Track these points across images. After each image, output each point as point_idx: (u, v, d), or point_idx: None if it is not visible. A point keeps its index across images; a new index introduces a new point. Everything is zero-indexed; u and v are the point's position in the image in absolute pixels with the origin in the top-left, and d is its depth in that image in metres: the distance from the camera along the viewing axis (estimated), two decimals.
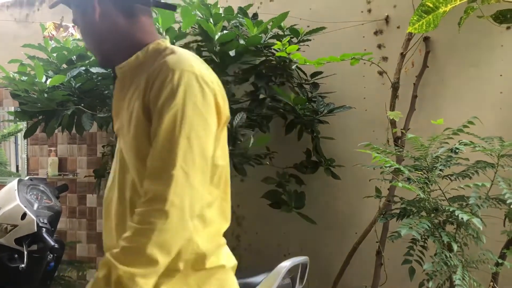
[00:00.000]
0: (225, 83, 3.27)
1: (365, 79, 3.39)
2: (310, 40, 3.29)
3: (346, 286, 3.34)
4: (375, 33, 3.39)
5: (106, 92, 3.10)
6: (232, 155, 2.99)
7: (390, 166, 2.52)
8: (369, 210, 3.19)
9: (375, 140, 3.23)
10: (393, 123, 3.12)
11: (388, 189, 3.08)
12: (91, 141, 4.08)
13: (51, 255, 2.52)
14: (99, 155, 3.95)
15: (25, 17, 4.42)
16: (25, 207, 2.44)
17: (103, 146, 3.84)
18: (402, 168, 2.52)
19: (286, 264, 2.07)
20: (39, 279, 2.51)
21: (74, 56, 3.19)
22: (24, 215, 2.41)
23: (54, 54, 3.16)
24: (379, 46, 3.38)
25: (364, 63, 3.15)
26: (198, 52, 3.19)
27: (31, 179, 2.77)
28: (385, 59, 3.35)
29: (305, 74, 3.40)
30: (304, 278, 2.32)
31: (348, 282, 3.33)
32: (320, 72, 3.32)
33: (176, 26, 3.03)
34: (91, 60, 3.11)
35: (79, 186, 4.12)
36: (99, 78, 3.07)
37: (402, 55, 3.19)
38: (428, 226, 2.33)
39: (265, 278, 2.07)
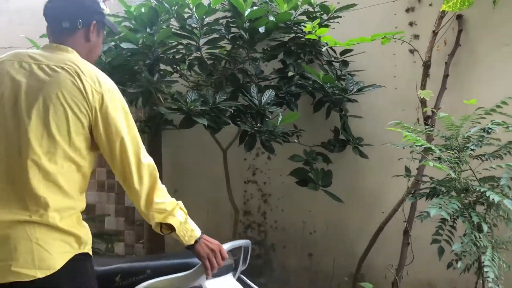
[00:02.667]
0: (253, 60, 3.29)
1: (396, 57, 3.35)
2: (341, 17, 3.25)
3: (371, 265, 3.35)
4: (407, 10, 3.34)
5: (136, 67, 3.11)
6: (260, 132, 3.00)
7: (420, 145, 2.50)
8: (396, 190, 3.18)
9: (404, 119, 3.16)
10: (423, 102, 3.08)
11: (417, 168, 3.06)
12: None
13: None
14: None
15: None
16: None
17: None
18: (433, 147, 2.49)
19: (224, 247, 2.11)
20: None
21: (104, 32, 3.20)
22: None
23: None
24: (411, 24, 3.33)
25: (395, 41, 3.10)
26: (227, 28, 3.19)
27: None
28: (416, 37, 3.30)
29: (334, 51, 3.37)
30: (247, 259, 2.38)
31: (374, 261, 3.33)
32: (350, 50, 3.29)
33: (205, 2, 3.02)
34: (121, 35, 3.12)
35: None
36: (129, 53, 3.08)
37: (434, 33, 3.14)
38: (458, 206, 2.31)
39: None
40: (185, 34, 3.09)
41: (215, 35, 3.16)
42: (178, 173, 3.96)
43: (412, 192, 2.92)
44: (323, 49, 3.16)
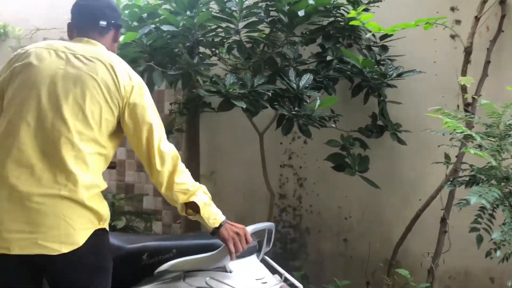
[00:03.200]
0: (292, 44, 3.28)
1: (437, 42, 3.29)
2: (381, 1, 3.21)
3: (407, 252, 3.34)
4: None
5: (176, 50, 3.14)
6: (297, 116, 3.00)
7: (461, 132, 2.46)
8: (434, 177, 3.15)
9: (444, 106, 3.10)
10: (464, 89, 3.04)
11: (456, 156, 3.02)
12: (159, 99, 4.16)
13: None
14: (167, 112, 4.05)
15: None
16: None
17: (170, 104, 3.93)
18: (473, 135, 2.46)
19: (248, 230, 2.15)
20: None
21: (145, 14, 3.25)
22: None
23: (126, 12, 3.22)
24: (452, 9, 3.27)
25: (436, 26, 3.04)
26: (267, 11, 3.19)
27: None
28: (458, 22, 3.24)
29: (374, 36, 3.33)
30: (270, 241, 2.41)
31: (410, 248, 3.32)
32: (390, 35, 3.24)
33: None
34: (161, 18, 3.16)
35: None
36: (169, 36, 3.11)
37: (477, 19, 3.08)
38: (498, 195, 2.28)
39: None
40: (225, 17, 3.11)
41: (254, 19, 3.16)
42: (215, 156, 4.01)
43: (451, 179, 2.89)
44: (367, 35, 3.13)
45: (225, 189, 4.00)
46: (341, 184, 3.57)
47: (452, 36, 3.23)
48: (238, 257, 2.16)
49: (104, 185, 1.98)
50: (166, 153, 1.98)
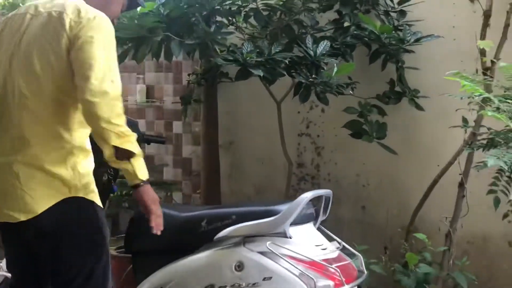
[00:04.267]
0: (309, 11, 3.27)
1: (455, 6, 3.26)
2: None
3: (425, 218, 3.35)
4: None
5: (193, 19, 3.15)
6: (314, 84, 3.01)
7: (479, 95, 2.45)
8: (452, 142, 3.14)
9: (462, 70, 3.07)
10: (483, 53, 3.01)
11: (474, 121, 3.01)
12: (177, 70, 4.20)
13: (107, 177, 2.60)
14: (185, 83, 4.07)
15: None
16: None
17: (188, 75, 3.96)
18: (492, 97, 2.44)
19: (307, 195, 2.17)
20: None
21: None
22: None
23: None
24: None
25: None
26: None
27: None
28: None
29: (391, 1, 3.31)
30: (327, 209, 2.41)
31: (428, 214, 3.33)
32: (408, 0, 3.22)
33: None
34: None
35: (166, 113, 4.29)
36: (186, 5, 3.12)
37: None
38: None
39: (288, 206, 2.18)
40: None
41: None
42: (233, 125, 4.04)
43: (469, 143, 2.88)
44: None
45: (244, 159, 4.03)
46: (359, 152, 3.58)
47: (471, 0, 3.19)
48: (297, 223, 2.18)
49: (74, 145, 1.87)
50: (105, 90, 1.78)
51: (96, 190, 1.96)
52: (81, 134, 1.92)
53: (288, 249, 2.15)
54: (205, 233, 2.25)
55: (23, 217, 1.84)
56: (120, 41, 3.18)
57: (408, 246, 3.19)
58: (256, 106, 3.88)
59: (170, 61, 3.27)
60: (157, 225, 1.93)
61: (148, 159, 4.27)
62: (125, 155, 1.82)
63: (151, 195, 1.90)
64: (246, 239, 2.21)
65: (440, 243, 3.16)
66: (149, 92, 4.32)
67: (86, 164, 1.93)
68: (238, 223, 2.21)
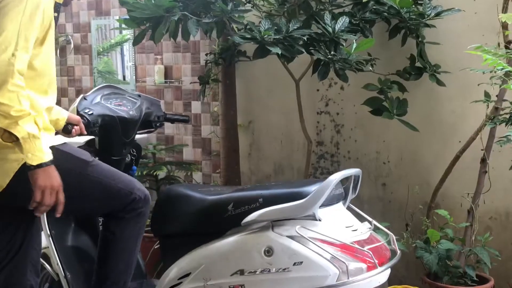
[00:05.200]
0: None
1: None
2: None
3: (447, 194, 3.33)
4: None
5: None
6: (333, 60, 2.98)
7: (501, 69, 2.42)
8: (474, 118, 3.11)
9: (484, 44, 3.03)
10: (505, 26, 2.95)
11: (496, 95, 2.97)
12: (194, 50, 4.19)
13: (129, 158, 2.65)
14: (203, 63, 4.07)
15: None
16: (84, 99, 2.49)
17: (206, 54, 3.95)
18: None
19: (336, 177, 2.11)
20: None
21: None
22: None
23: None
24: None
25: None
26: None
27: (116, 87, 2.77)
28: None
29: None
30: (357, 188, 2.38)
31: (449, 190, 3.31)
32: None
33: None
34: None
35: (184, 93, 4.30)
36: None
37: None
38: None
39: (317, 188, 2.12)
40: None
41: None
42: (251, 104, 4.03)
43: (492, 118, 2.85)
44: None
45: (262, 138, 4.03)
46: (379, 129, 3.56)
47: None
48: (326, 204, 2.14)
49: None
50: None
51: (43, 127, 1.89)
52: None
53: (318, 233, 2.11)
54: (232, 217, 2.22)
55: None
56: (137, 21, 3.20)
57: (430, 223, 3.17)
58: (275, 84, 3.86)
59: (187, 41, 3.25)
60: (37, 211, 1.87)
61: (168, 140, 4.34)
62: (11, 137, 1.78)
63: (43, 181, 1.81)
64: (274, 223, 2.17)
65: (462, 219, 3.14)
66: (167, 72, 4.32)
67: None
68: (265, 207, 2.16)
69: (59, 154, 1.93)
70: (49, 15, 1.93)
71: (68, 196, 1.91)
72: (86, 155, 2.11)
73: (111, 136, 2.50)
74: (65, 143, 2.09)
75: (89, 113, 2.40)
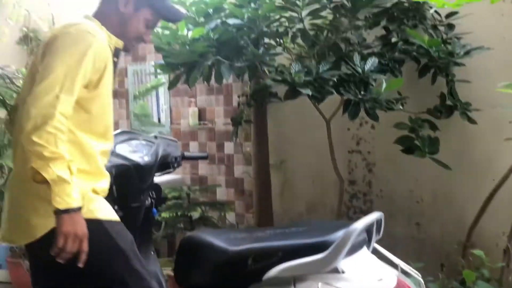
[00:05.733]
0: (356, 28, 3.30)
1: (505, 18, 3.22)
2: None
3: (482, 233, 3.28)
4: None
5: (242, 42, 3.23)
6: (363, 100, 3.02)
7: None
8: (508, 155, 3.09)
9: None
10: None
11: None
12: (227, 92, 4.29)
13: (150, 201, 2.59)
14: (235, 105, 4.16)
15: None
16: None
17: (238, 96, 4.04)
18: None
19: (357, 227, 1.99)
20: (141, 223, 2.55)
21: (211, 9, 3.35)
22: None
23: (193, 9, 3.34)
24: None
25: (503, 1, 2.99)
26: None
27: (131, 133, 2.75)
28: None
29: (439, 15, 3.30)
30: (380, 230, 2.27)
31: (484, 229, 3.26)
32: (456, 12, 3.20)
33: None
34: (226, 12, 3.26)
35: (217, 135, 4.38)
36: (235, 29, 3.21)
37: None
38: None
39: (338, 241, 2.00)
40: (288, 6, 3.16)
41: (317, 6, 3.19)
42: (283, 144, 4.08)
43: None
44: (430, 11, 3.10)
45: (295, 177, 4.06)
46: (411, 167, 3.55)
47: None
48: (350, 253, 2.02)
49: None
50: (37, 102, 1.75)
51: (98, 200, 1.95)
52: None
53: None
54: (252, 272, 2.12)
55: (24, 241, 1.95)
56: (172, 66, 3.32)
57: (465, 263, 3.12)
58: (306, 124, 3.91)
59: (220, 84, 3.35)
60: (59, 257, 1.80)
61: (202, 180, 4.40)
62: (40, 179, 1.74)
63: (68, 228, 1.76)
64: (297, 277, 2.07)
65: (499, 259, 3.08)
66: (201, 114, 4.42)
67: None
68: (285, 260, 2.05)
69: (103, 231, 1.92)
70: (102, 58, 1.95)
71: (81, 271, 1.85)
72: (128, 250, 2.00)
73: (127, 184, 2.44)
74: (118, 222, 2.02)
75: None
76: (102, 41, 1.96)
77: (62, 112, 1.77)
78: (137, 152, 2.56)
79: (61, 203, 1.74)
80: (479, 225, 3.21)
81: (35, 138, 1.71)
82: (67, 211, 1.75)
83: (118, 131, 2.68)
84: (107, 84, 2.02)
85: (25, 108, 1.77)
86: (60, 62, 1.82)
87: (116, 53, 2.14)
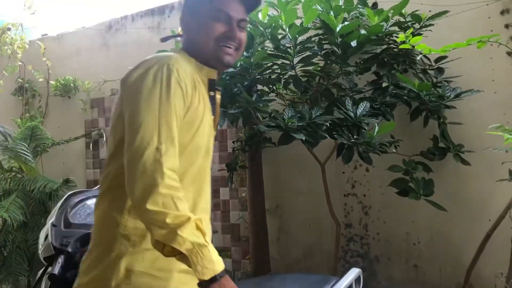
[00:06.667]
0: (347, 74, 3.36)
1: (493, 61, 3.28)
2: (433, 25, 3.24)
3: (480, 274, 3.27)
4: (502, 12, 3.28)
5: (235, 89, 3.28)
6: (357, 144, 3.05)
7: None
8: (502, 196, 3.10)
9: (506, 123, 3.12)
10: None
11: None
12: (222, 138, 4.31)
13: None
14: (230, 151, 4.17)
15: (157, 25, 4.78)
16: (54, 226, 2.26)
17: (233, 142, 4.06)
18: None
19: None
20: None
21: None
22: (46, 237, 2.27)
23: None
24: (507, 26, 3.26)
25: (491, 45, 3.06)
26: (320, 45, 3.29)
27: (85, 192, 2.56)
28: None
29: (428, 59, 3.36)
30: (360, 283, 2.25)
31: (482, 270, 3.25)
32: (445, 57, 3.27)
33: (298, 22, 3.15)
34: None
35: (213, 180, 4.35)
36: (228, 77, 3.26)
37: None
38: None
39: None
40: (280, 54, 3.22)
41: (308, 53, 3.26)
42: (278, 189, 4.08)
43: None
44: (418, 57, 3.17)
45: (291, 222, 4.05)
46: (407, 210, 3.55)
47: (509, 53, 3.22)
48: None
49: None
50: (136, 163, 1.43)
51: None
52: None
53: None
54: None
55: None
56: None
57: None
58: (300, 168, 3.93)
59: (215, 131, 3.37)
60: None
61: None
62: (172, 252, 1.43)
63: None
64: None
65: None
66: None
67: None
68: None
69: None
70: (187, 90, 1.59)
71: None
72: None
73: None
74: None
75: (66, 244, 2.17)
76: (183, 71, 1.59)
77: (169, 167, 1.46)
78: (92, 214, 2.31)
79: (205, 274, 1.40)
80: (477, 266, 3.20)
81: (149, 206, 1.41)
82: (214, 279, 1.41)
83: (64, 198, 2.47)
84: (202, 126, 1.68)
85: (126, 174, 1.47)
86: (149, 106, 1.50)
87: (211, 86, 1.74)
